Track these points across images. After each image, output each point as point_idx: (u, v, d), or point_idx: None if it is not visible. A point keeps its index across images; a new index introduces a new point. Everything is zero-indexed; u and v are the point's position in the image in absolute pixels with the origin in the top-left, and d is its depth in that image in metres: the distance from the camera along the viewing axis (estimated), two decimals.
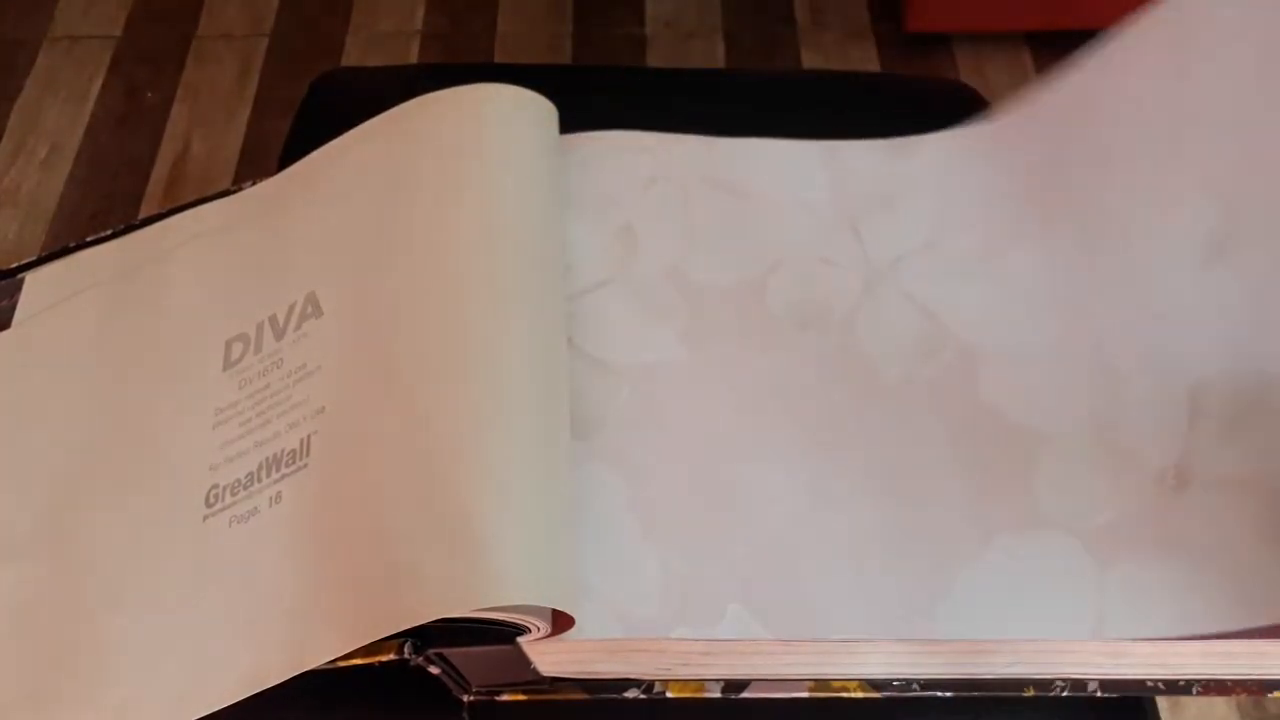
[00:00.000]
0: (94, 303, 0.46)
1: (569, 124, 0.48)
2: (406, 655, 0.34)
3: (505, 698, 0.39)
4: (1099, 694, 0.39)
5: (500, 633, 0.33)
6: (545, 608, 0.33)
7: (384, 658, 0.34)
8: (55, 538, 0.39)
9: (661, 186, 0.48)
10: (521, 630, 0.33)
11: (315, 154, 0.47)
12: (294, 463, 0.37)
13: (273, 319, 0.42)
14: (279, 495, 0.37)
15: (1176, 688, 0.38)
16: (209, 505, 0.38)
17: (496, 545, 0.32)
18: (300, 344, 0.41)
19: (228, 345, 0.42)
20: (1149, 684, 0.38)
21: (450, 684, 0.37)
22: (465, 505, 0.33)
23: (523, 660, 0.36)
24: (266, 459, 0.38)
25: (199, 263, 0.46)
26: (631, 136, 0.49)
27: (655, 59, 1.26)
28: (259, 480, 0.38)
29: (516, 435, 0.35)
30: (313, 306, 0.41)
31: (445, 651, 0.35)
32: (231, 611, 0.35)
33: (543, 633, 0.34)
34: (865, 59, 1.28)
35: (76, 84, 1.22)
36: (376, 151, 0.45)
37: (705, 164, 0.49)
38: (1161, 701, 0.42)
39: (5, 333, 0.46)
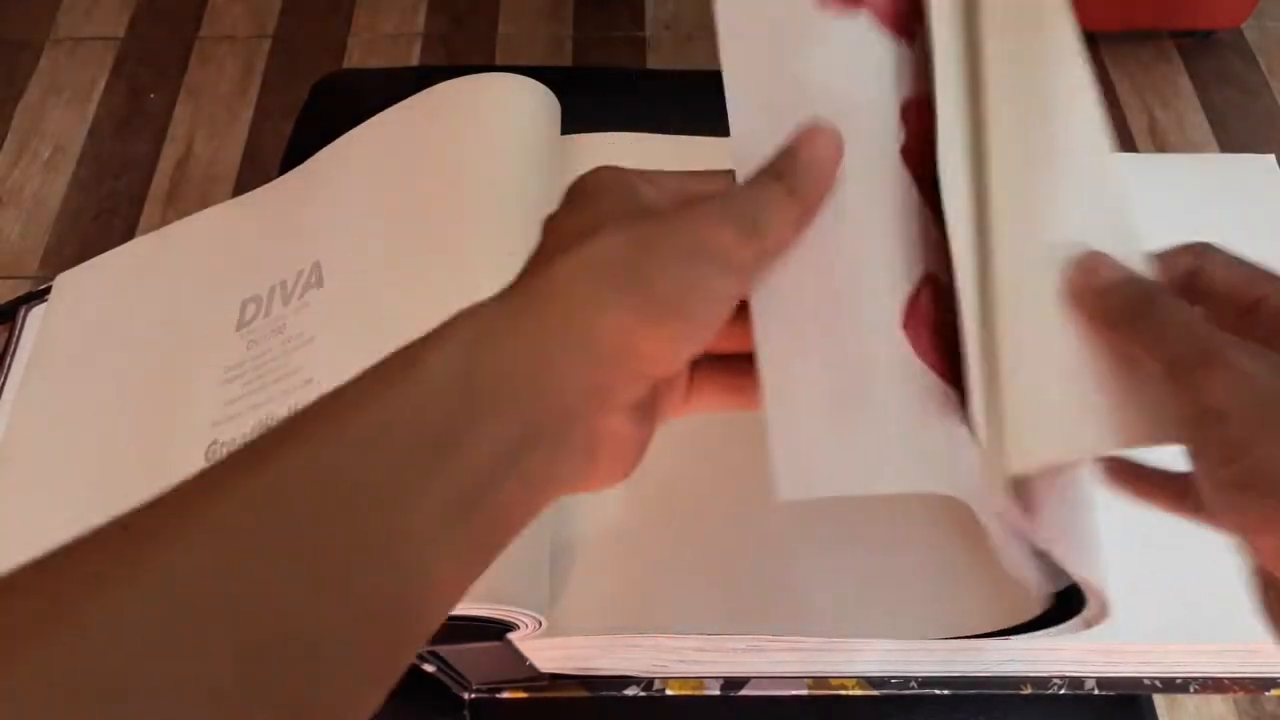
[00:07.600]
0: (128, 264, 0.48)
1: (569, 125, 0.48)
2: None
3: (506, 695, 0.39)
4: (1096, 691, 0.39)
5: (491, 629, 0.33)
6: (533, 607, 0.33)
7: None
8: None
9: None
10: (511, 626, 0.33)
11: (329, 146, 0.48)
12: None
13: (282, 284, 0.43)
14: None
15: (1174, 685, 0.38)
16: (206, 461, 0.39)
17: None
18: (301, 312, 0.42)
19: (243, 305, 0.43)
20: (1146, 682, 0.39)
21: (449, 682, 0.38)
22: None
23: (518, 657, 0.36)
24: (259, 422, 0.39)
25: (220, 229, 0.48)
26: (631, 138, 0.49)
27: (655, 61, 1.26)
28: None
29: None
30: (316, 276, 0.42)
31: (438, 649, 0.35)
32: None
33: (531, 629, 0.34)
34: None
35: (79, 85, 1.22)
36: (387, 137, 0.46)
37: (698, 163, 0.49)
38: (1159, 700, 0.42)
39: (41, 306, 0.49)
